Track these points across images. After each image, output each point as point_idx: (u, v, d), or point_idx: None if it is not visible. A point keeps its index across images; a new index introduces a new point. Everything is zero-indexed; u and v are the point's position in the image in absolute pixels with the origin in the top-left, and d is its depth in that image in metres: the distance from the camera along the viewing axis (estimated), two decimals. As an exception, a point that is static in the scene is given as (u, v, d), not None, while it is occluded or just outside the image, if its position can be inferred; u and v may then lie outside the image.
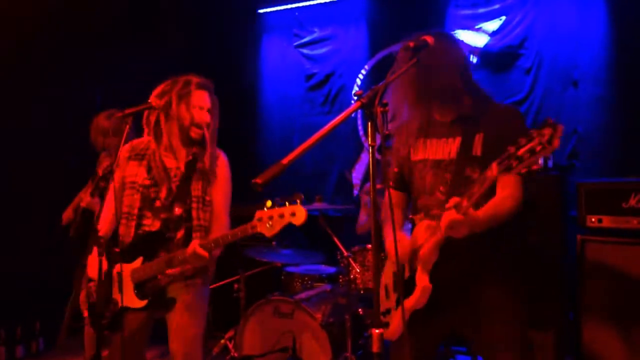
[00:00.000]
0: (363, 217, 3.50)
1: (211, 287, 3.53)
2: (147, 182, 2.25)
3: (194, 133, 2.25)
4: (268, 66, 5.14)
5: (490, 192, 1.72)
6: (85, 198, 2.91)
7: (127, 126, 2.13)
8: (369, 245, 3.14)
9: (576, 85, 3.74)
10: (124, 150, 2.32)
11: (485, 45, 4.07)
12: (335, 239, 3.24)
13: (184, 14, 5.18)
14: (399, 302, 1.86)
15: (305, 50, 4.91)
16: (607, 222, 2.69)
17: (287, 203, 1.97)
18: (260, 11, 5.10)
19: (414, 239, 1.86)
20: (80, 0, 4.17)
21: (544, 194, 2.93)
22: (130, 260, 2.19)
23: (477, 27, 4.12)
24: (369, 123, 1.47)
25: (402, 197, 2.09)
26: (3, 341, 3.74)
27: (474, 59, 4.10)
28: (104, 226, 2.30)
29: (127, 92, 2.39)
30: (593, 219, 2.74)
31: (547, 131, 1.34)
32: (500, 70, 3.99)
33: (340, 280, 3.35)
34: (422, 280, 1.77)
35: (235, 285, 3.38)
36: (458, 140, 1.86)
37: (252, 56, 5.18)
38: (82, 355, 2.83)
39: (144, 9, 4.75)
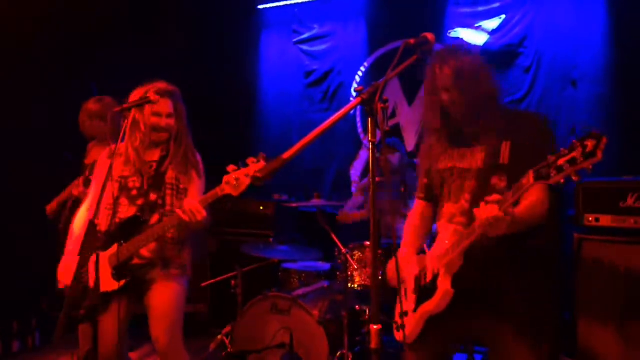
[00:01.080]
0: (349, 205, 3.51)
1: (208, 283, 3.58)
2: (125, 173, 2.40)
3: (155, 137, 2.42)
4: (267, 62, 5.13)
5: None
6: (79, 188, 2.91)
7: (127, 120, 2.15)
8: (367, 242, 3.15)
9: (575, 84, 3.75)
10: (104, 154, 2.51)
11: (485, 44, 4.07)
12: (333, 236, 3.24)
13: (183, 11, 5.17)
14: (419, 305, 1.87)
15: (304, 47, 4.91)
16: (605, 221, 2.70)
17: (250, 163, 2.13)
18: (260, 7, 5.09)
19: (439, 244, 1.87)
20: (80, 0, 4.15)
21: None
22: (106, 248, 2.30)
23: (476, 25, 4.12)
24: (369, 119, 1.47)
25: (429, 208, 2.10)
26: (-1, 336, 3.74)
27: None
28: (101, 220, 2.39)
29: (127, 90, 2.43)
30: (590, 218, 2.74)
31: (590, 142, 1.31)
32: (500, 69, 3.99)
33: (338, 276, 3.35)
34: (445, 285, 1.77)
35: (232, 282, 3.37)
36: (484, 149, 1.84)
37: (251, 52, 5.17)
38: (78, 351, 2.84)
39: (143, 6, 4.74)
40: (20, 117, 3.63)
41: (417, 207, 2.15)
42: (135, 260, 2.31)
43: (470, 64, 1.83)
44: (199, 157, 2.52)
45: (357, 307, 3.12)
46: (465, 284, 1.76)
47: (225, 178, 2.15)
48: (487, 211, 1.54)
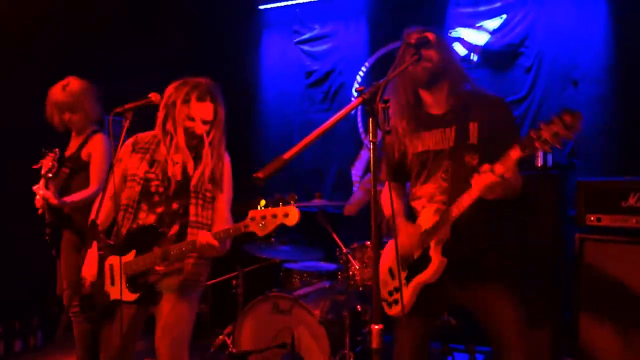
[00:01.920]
0: (354, 198, 3.51)
1: (210, 283, 3.58)
2: (149, 175, 2.25)
3: (190, 141, 2.26)
4: (268, 62, 5.13)
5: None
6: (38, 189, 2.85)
7: (127, 121, 2.13)
8: (368, 242, 3.15)
9: (576, 84, 3.74)
10: (128, 143, 2.35)
11: (486, 44, 4.07)
12: (334, 236, 3.25)
13: (184, 11, 5.17)
14: (409, 279, 2.00)
15: (305, 47, 4.91)
16: (606, 221, 2.70)
17: (280, 204, 1.97)
18: (261, 7, 5.09)
19: (423, 221, 1.99)
20: (81, 1, 4.16)
21: (544, 192, 2.94)
22: (124, 252, 2.19)
23: (477, 25, 4.12)
24: (370, 119, 1.47)
25: (400, 188, 2.26)
26: (1, 335, 3.74)
27: (474, 57, 4.10)
28: (101, 218, 2.29)
29: (127, 90, 2.40)
30: (592, 218, 2.74)
31: (568, 117, 1.52)
32: (501, 69, 3.99)
33: (339, 276, 3.36)
34: (437, 256, 1.91)
35: (234, 282, 3.38)
36: (454, 129, 1.99)
37: (252, 52, 5.17)
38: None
39: (143, 6, 4.74)
40: (20, 117, 3.63)
41: (388, 187, 2.19)
42: (151, 275, 2.16)
43: (445, 38, 2.07)
44: (228, 164, 2.34)
45: (358, 307, 3.12)
46: (453, 253, 1.91)
47: (252, 213, 2.00)
48: (485, 179, 1.71)
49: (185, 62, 4.71)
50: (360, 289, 3.13)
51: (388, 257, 2.18)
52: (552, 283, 2.92)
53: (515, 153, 1.65)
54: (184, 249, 2.09)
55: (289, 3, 4.94)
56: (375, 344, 1.42)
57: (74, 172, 2.99)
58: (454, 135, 1.97)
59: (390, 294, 2.10)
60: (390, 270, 2.13)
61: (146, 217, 2.22)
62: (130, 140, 2.36)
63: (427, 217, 1.99)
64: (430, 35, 1.89)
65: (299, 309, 2.95)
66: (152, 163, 2.27)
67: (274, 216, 1.96)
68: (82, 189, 2.94)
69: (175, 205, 2.21)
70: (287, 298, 3.00)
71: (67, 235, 2.97)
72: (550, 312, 2.89)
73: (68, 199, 2.89)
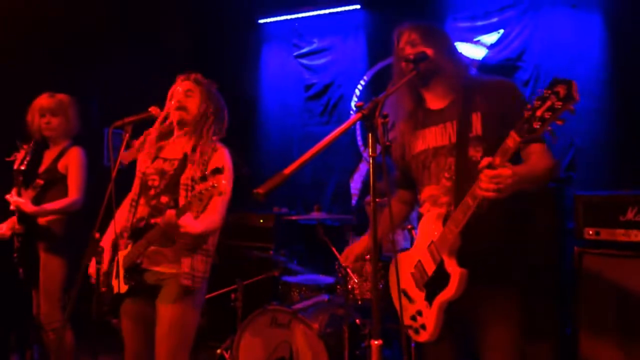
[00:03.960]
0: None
1: (208, 296, 3.56)
2: (148, 170, 2.34)
3: (173, 117, 2.34)
4: (268, 76, 5.17)
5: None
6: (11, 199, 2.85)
7: (127, 134, 2.14)
8: (367, 256, 3.14)
9: (573, 98, 3.76)
10: (137, 142, 2.44)
11: (484, 58, 4.11)
12: (333, 249, 3.24)
13: (185, 24, 5.22)
14: (432, 298, 1.78)
15: (304, 61, 4.94)
16: (605, 234, 2.70)
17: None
18: (261, 21, 5.14)
19: (427, 231, 1.82)
20: (82, 7, 4.20)
21: (542, 205, 2.94)
22: (125, 247, 2.28)
23: (475, 39, 4.16)
24: (369, 134, 1.48)
25: (408, 194, 2.12)
26: (-3, 349, 3.71)
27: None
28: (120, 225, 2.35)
29: (126, 103, 2.42)
30: (590, 232, 2.74)
31: (561, 88, 1.33)
32: (499, 83, 4.02)
33: (338, 290, 3.35)
34: (455, 268, 1.70)
35: (232, 295, 3.37)
36: (455, 123, 1.83)
37: (252, 66, 5.21)
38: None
39: (146, 18, 4.78)
40: (20, 117, 3.63)
41: (396, 195, 2.16)
42: (143, 267, 2.23)
43: (437, 27, 1.94)
44: (224, 156, 2.34)
45: (357, 321, 3.11)
46: (469, 262, 1.70)
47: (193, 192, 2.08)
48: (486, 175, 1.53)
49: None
50: (359, 302, 3.11)
51: (400, 277, 1.93)
52: (552, 297, 2.91)
53: (511, 140, 1.47)
54: (159, 231, 2.14)
55: (289, 17, 4.99)
56: (374, 359, 1.42)
57: (49, 184, 2.97)
58: (456, 129, 1.81)
59: (414, 318, 1.86)
60: (405, 293, 1.91)
61: (142, 211, 2.29)
62: (140, 139, 2.44)
63: (428, 226, 1.82)
64: (429, 51, 1.84)
65: (298, 322, 2.93)
66: (153, 158, 2.37)
67: (207, 189, 2.00)
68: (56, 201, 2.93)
69: (165, 199, 2.26)
70: (286, 311, 2.99)
71: (43, 246, 2.93)
72: (549, 327, 2.87)
73: (43, 206, 2.87)
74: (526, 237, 1.83)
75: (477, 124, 1.78)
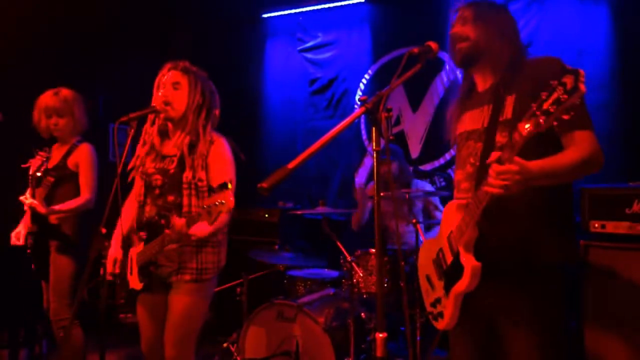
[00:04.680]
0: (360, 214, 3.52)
1: (214, 290, 3.58)
2: (151, 170, 2.35)
3: (161, 109, 2.29)
4: (272, 70, 5.17)
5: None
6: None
7: (132, 130, 2.15)
8: (372, 250, 3.15)
9: (580, 90, 3.74)
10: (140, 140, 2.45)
11: (489, 51, 4.08)
12: (338, 243, 3.24)
13: (188, 20, 5.21)
14: (449, 288, 1.73)
15: (309, 55, 4.94)
16: (611, 227, 2.68)
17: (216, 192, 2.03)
18: (265, 16, 5.13)
19: (448, 219, 1.77)
20: (85, 8, 4.20)
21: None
22: (137, 242, 2.33)
23: (480, 32, 4.12)
24: (373, 128, 1.48)
25: None
26: (6, 344, 3.75)
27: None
28: (127, 224, 2.41)
29: (131, 98, 2.43)
30: (596, 225, 2.73)
31: (568, 79, 1.27)
32: (504, 76, 4.00)
33: (343, 284, 3.35)
34: (469, 261, 1.64)
35: (238, 289, 3.38)
36: (491, 107, 1.75)
37: (256, 60, 5.20)
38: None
39: (149, 14, 4.78)
40: (20, 117, 3.66)
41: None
42: (154, 265, 2.28)
43: (496, 7, 1.85)
44: (223, 147, 2.34)
45: (363, 314, 3.12)
46: (486, 256, 1.64)
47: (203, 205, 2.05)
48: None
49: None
50: (365, 296, 3.12)
51: (423, 262, 1.93)
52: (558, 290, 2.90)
53: (517, 134, 1.39)
54: (167, 238, 2.15)
55: (293, 11, 4.97)
56: (379, 352, 1.42)
57: (59, 181, 2.98)
58: (490, 113, 1.73)
59: (434, 305, 1.84)
60: (428, 278, 1.89)
61: (149, 211, 2.31)
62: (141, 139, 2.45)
63: (449, 214, 1.76)
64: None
65: (304, 316, 2.95)
66: (156, 158, 2.38)
67: (216, 205, 1.96)
68: (66, 199, 2.93)
69: (171, 197, 2.27)
70: (292, 305, 3.00)
71: (54, 244, 2.95)
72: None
73: (57, 207, 2.88)
74: (550, 231, 1.72)
75: (508, 107, 1.69)
